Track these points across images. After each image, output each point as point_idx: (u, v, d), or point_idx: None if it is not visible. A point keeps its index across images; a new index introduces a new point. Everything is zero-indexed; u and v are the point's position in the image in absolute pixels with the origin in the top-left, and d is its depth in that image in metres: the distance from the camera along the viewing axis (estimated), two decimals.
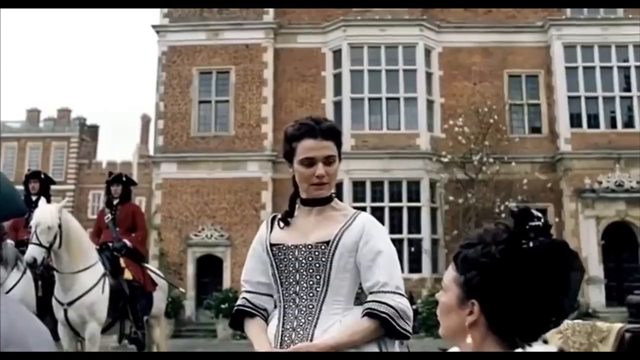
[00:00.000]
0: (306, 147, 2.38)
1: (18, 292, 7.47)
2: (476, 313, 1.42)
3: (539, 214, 1.45)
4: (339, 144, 2.45)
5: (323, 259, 2.35)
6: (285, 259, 2.40)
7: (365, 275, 2.35)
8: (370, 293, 2.34)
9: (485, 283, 1.41)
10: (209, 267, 21.44)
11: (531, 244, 1.40)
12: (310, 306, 2.35)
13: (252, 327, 2.47)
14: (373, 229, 2.39)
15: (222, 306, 19.36)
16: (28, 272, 7.54)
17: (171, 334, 16.32)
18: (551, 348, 1.48)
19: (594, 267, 20.28)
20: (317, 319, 2.33)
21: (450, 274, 1.50)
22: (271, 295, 2.49)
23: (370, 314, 2.29)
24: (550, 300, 1.40)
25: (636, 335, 2.03)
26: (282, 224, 2.48)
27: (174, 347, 13.24)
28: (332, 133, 2.43)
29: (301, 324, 2.35)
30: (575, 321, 2.28)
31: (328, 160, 2.39)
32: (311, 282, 2.36)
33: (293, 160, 2.42)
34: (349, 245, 2.35)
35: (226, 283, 20.90)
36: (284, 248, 2.41)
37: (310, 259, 2.37)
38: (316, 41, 22.70)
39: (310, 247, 2.37)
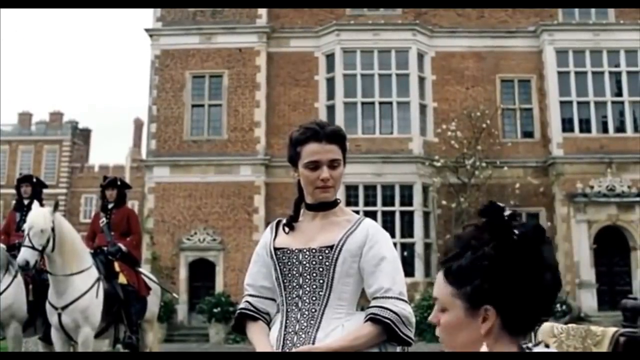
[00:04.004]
0: (311, 150, 2.40)
1: (9, 296, 7.46)
2: (492, 318, 1.41)
3: (501, 204, 1.47)
4: (343, 148, 2.47)
5: (327, 264, 2.37)
6: (289, 263, 2.41)
7: (369, 281, 2.37)
8: (374, 298, 2.35)
9: (494, 285, 1.39)
10: (202, 271, 21.37)
11: (517, 232, 1.41)
12: (313, 310, 2.36)
13: (254, 330, 2.48)
14: (377, 234, 2.41)
15: (215, 310, 19.32)
16: (19, 276, 7.52)
17: (163, 339, 16.26)
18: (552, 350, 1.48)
19: (586, 271, 20.37)
20: (320, 322, 2.34)
21: (446, 291, 1.46)
22: (274, 300, 2.50)
23: (373, 319, 2.30)
24: (549, 279, 1.42)
25: (631, 339, 2.04)
26: (286, 229, 2.49)
27: (167, 351, 13.18)
28: (337, 137, 2.45)
29: (303, 327, 2.35)
30: (569, 325, 2.30)
31: (332, 164, 2.41)
32: (314, 286, 2.38)
33: (298, 165, 2.44)
34: (353, 250, 2.37)
35: (219, 287, 20.80)
36: (288, 252, 2.42)
37: (314, 263, 2.38)
38: (309, 45, 22.73)
39: (314, 251, 2.38)
